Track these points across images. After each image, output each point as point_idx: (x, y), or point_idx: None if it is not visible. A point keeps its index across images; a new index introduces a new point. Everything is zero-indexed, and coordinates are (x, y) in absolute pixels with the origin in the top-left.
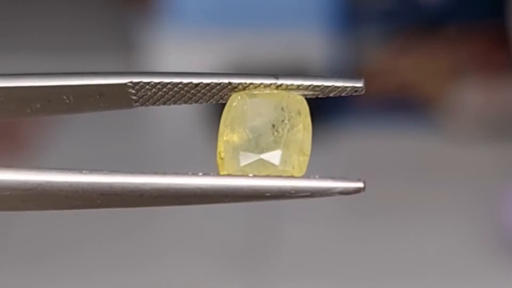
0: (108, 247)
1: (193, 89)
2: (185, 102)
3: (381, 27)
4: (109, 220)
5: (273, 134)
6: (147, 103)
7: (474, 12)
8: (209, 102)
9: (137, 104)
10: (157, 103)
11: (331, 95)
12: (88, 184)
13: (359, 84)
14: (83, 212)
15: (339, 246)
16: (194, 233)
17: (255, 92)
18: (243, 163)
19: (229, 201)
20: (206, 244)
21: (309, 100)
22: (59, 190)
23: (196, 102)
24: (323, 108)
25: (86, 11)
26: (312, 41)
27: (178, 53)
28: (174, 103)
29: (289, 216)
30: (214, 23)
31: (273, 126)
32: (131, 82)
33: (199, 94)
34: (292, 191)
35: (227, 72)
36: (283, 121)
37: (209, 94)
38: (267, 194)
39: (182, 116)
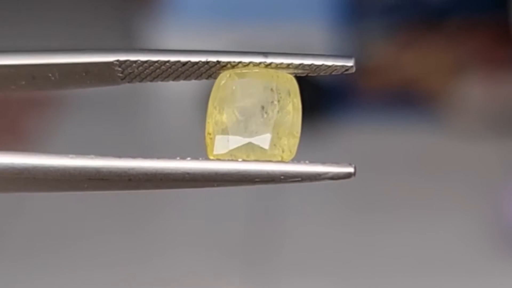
0: (109, 242)
1: (180, 67)
2: (173, 79)
3: (384, 22)
4: (109, 215)
5: (262, 116)
6: (133, 80)
7: (477, 7)
8: (198, 79)
9: (123, 81)
10: (144, 80)
11: (321, 73)
12: (75, 169)
13: (350, 63)
14: (84, 207)
15: (340, 241)
16: (196, 228)
17: (244, 71)
18: (232, 146)
19: (217, 186)
20: (207, 239)
21: (311, 94)
22: (45, 174)
23: (185, 79)
24: (325, 103)
25: (87, 3)
26: (315, 34)
27: (180, 46)
28: (162, 80)
29: (291, 212)
30: (216, 16)
31: (262, 107)
32: (117, 60)
33: (187, 72)
34: (282, 176)
35: (216, 50)
36: (272, 102)
37: (197, 72)
38: (257, 180)
39: (188, 93)
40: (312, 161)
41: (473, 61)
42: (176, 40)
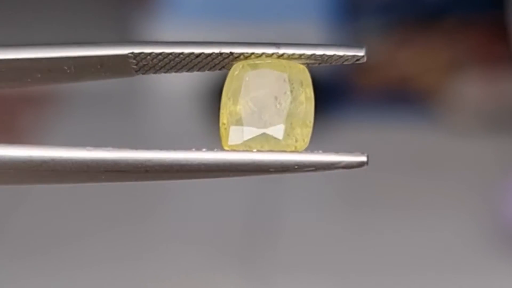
0: (104, 239)
1: (194, 59)
2: (187, 71)
3: (381, 20)
4: (106, 212)
5: (275, 106)
6: (148, 71)
7: (474, 5)
8: (211, 70)
9: (138, 72)
10: (158, 71)
11: (333, 63)
12: (93, 161)
13: (361, 53)
14: (82, 204)
15: (337, 238)
16: (192, 225)
17: (257, 61)
18: (246, 136)
19: (232, 176)
20: (204, 236)
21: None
22: (63, 167)
23: (198, 70)
24: (322, 100)
25: (84, 3)
26: (312, 33)
27: None
28: (176, 71)
29: (288, 208)
30: (212, 14)
31: (276, 98)
32: (132, 53)
33: (200, 63)
34: (296, 166)
35: (228, 41)
36: (285, 92)
37: (211, 63)
38: (271, 169)
39: (186, 89)
40: (325, 151)
41: (469, 59)
42: (173, 38)
